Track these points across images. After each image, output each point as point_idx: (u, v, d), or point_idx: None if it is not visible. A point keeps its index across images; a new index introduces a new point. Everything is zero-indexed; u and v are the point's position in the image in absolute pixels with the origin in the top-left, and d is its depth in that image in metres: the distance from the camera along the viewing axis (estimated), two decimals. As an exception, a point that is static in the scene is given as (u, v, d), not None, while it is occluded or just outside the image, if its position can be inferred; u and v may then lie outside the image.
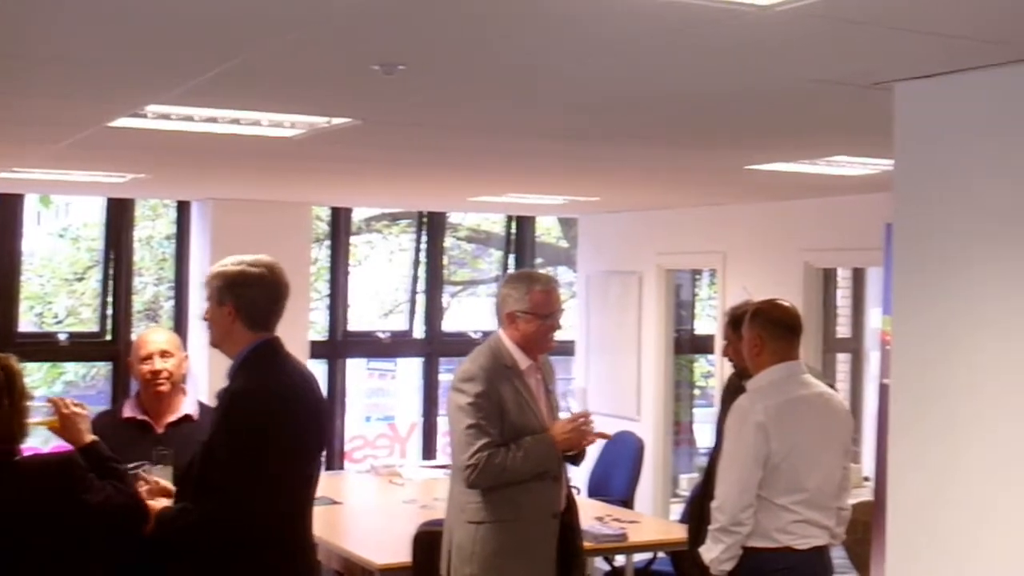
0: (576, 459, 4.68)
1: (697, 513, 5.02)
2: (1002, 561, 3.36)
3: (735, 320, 4.95)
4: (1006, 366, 3.34)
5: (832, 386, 4.72)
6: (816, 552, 4.35)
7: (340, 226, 9.78)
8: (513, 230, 10.47)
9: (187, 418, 4.29)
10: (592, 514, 6.11)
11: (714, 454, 4.92)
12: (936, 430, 3.55)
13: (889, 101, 3.70)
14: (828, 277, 8.43)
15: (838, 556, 6.15)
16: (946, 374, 3.52)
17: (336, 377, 9.70)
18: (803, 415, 4.37)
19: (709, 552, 4.28)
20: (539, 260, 11.25)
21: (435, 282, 10.13)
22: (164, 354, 4.30)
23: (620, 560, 6.36)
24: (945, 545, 3.53)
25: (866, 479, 7.94)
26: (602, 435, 4.68)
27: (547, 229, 12.03)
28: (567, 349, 9.97)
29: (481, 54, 3.38)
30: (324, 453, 4.03)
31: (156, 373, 4.26)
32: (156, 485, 3.72)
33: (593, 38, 3.16)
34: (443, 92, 4.05)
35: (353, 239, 10.48)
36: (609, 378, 9.53)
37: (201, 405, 4.36)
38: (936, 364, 3.56)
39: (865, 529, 5.85)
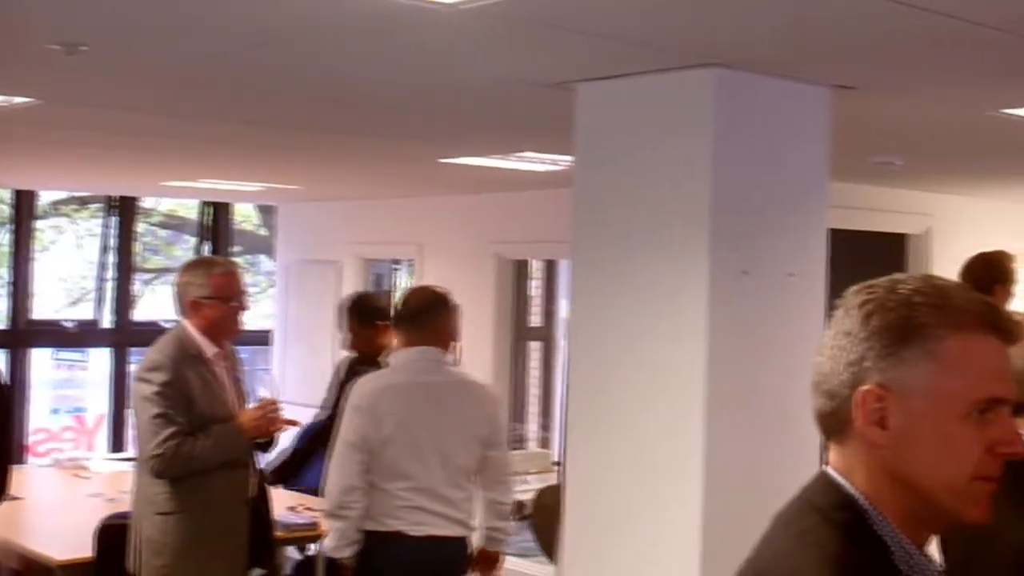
0: (266, 446, 4.67)
1: None
2: (671, 546, 3.50)
3: (351, 308, 5.18)
4: (674, 360, 3.47)
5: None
6: (432, 541, 4.33)
7: (24, 209, 9.37)
8: (209, 217, 10.26)
9: None
10: (284, 504, 6.09)
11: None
12: (609, 420, 3.66)
13: (573, 101, 3.78)
14: (523, 268, 8.65)
15: (526, 540, 6.36)
16: (618, 367, 3.64)
17: (18, 368, 9.28)
18: (417, 401, 4.37)
19: (329, 540, 4.33)
20: (237, 248, 11.07)
21: (126, 269, 9.81)
22: None
23: (313, 549, 6.35)
24: (617, 528, 3.66)
25: (556, 464, 8.19)
26: (291, 422, 4.68)
27: (246, 216, 11.84)
28: (263, 338, 9.88)
29: (165, 36, 3.30)
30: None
31: None
32: None
33: (274, 27, 3.13)
34: (128, 73, 3.94)
35: (39, 223, 10.04)
36: (306, 367, 9.49)
37: None
38: (608, 358, 3.67)
39: (554, 513, 6.04)
